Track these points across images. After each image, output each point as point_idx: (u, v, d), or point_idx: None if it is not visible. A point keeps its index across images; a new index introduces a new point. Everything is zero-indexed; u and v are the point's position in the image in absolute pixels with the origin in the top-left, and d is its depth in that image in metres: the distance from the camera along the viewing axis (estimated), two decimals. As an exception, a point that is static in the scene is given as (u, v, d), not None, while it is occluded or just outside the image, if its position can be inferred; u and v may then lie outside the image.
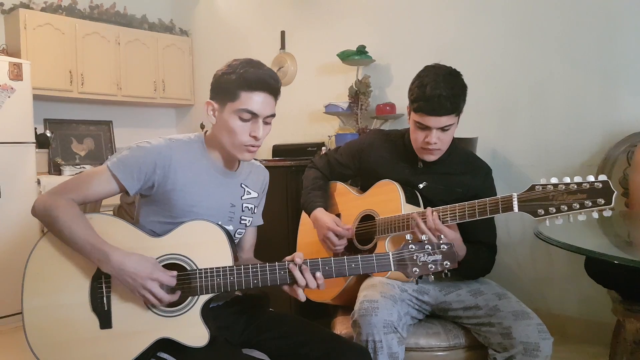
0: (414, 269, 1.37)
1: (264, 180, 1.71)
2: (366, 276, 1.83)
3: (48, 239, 1.41)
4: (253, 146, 1.47)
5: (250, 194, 1.63)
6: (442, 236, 1.48)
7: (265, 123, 1.47)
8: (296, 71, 4.27)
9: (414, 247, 1.38)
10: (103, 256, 1.33)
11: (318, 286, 1.38)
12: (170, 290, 1.38)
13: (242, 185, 1.61)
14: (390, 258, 1.38)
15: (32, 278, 1.39)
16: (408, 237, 1.40)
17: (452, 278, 1.83)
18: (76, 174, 3.95)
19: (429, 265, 1.37)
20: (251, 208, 1.63)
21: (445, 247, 1.38)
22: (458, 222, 1.63)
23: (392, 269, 1.38)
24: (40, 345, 1.37)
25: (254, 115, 1.43)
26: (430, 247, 1.38)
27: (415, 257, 1.38)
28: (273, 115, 1.48)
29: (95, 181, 1.44)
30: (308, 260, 1.39)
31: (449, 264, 1.37)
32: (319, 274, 1.37)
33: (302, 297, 1.40)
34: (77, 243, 1.35)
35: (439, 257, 1.37)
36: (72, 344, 1.37)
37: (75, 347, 1.37)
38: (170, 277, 1.35)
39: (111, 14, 4.63)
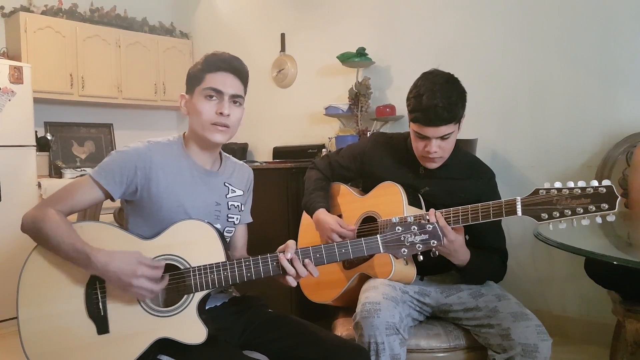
0: (402, 249, 1.40)
1: (249, 178, 1.72)
2: (367, 278, 1.84)
3: (41, 249, 1.41)
4: (223, 125, 1.50)
5: (235, 192, 1.64)
6: (427, 216, 1.49)
7: (234, 102, 1.52)
8: (296, 73, 4.28)
9: (400, 228, 1.41)
10: (86, 259, 1.34)
11: (311, 274, 1.40)
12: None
13: (226, 184, 1.63)
14: (379, 241, 1.41)
15: (27, 288, 1.39)
16: (394, 219, 1.42)
17: (452, 280, 1.84)
18: (77, 177, 3.95)
19: (417, 245, 1.40)
20: (237, 206, 1.64)
21: (431, 226, 1.41)
22: (461, 225, 1.63)
23: (381, 251, 1.41)
24: (38, 355, 1.36)
25: (218, 92, 1.49)
26: (416, 228, 1.41)
27: (402, 238, 1.40)
28: (241, 97, 1.54)
29: (80, 191, 1.45)
30: (299, 249, 1.41)
31: (435, 242, 1.40)
32: (307, 260, 1.40)
33: (292, 283, 1.42)
34: (62, 249, 1.35)
35: (425, 236, 1.40)
36: (70, 352, 1.36)
37: (73, 355, 1.36)
38: (155, 270, 1.35)
39: (112, 16, 4.64)
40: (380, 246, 1.41)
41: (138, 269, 1.33)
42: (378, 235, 1.41)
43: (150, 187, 1.47)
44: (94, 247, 1.35)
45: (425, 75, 1.73)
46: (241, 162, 1.75)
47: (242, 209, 1.67)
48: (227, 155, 1.71)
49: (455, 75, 1.74)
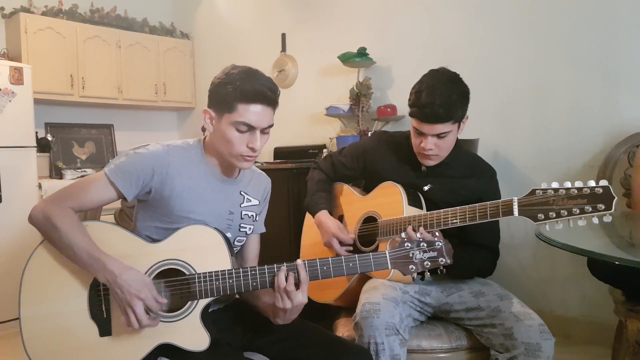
0: (411, 266, 1.40)
1: (266, 188, 1.69)
2: (368, 278, 1.83)
3: (45, 247, 1.40)
4: (250, 156, 1.46)
5: (251, 201, 1.61)
6: (437, 233, 1.49)
7: (263, 133, 1.46)
8: (297, 73, 4.28)
9: (409, 245, 1.40)
10: (100, 265, 1.33)
11: (298, 288, 1.37)
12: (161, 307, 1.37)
13: (242, 193, 1.60)
14: (387, 257, 1.40)
15: (30, 287, 1.38)
16: (403, 235, 1.42)
17: (453, 279, 1.84)
18: (78, 177, 3.95)
19: (425, 262, 1.40)
20: (251, 216, 1.62)
21: (440, 243, 1.40)
22: (459, 225, 1.63)
23: (389, 267, 1.40)
24: (39, 354, 1.36)
25: (251, 128, 1.42)
26: (425, 245, 1.40)
27: (411, 255, 1.40)
28: (271, 126, 1.47)
29: (93, 188, 1.43)
30: (306, 261, 1.40)
31: (444, 260, 1.40)
32: (303, 276, 1.37)
33: (278, 304, 1.39)
34: (75, 252, 1.34)
35: (434, 254, 1.40)
36: (71, 352, 1.36)
37: (74, 356, 1.36)
38: (156, 304, 1.34)
39: (112, 17, 4.64)
40: (389, 263, 1.40)
41: (142, 292, 1.32)
42: (387, 252, 1.40)
43: (164, 190, 1.45)
44: (109, 255, 1.35)
45: (431, 72, 1.74)
46: (259, 170, 1.71)
47: (257, 219, 1.64)
48: None
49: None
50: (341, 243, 1.89)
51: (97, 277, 1.35)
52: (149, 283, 1.35)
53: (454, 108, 1.67)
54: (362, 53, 3.54)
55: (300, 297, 1.38)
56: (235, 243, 1.59)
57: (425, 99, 1.66)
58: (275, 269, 1.39)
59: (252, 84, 1.40)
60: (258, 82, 1.42)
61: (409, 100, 1.74)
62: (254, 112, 1.41)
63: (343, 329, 1.85)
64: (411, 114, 1.74)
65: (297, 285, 1.38)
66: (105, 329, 1.37)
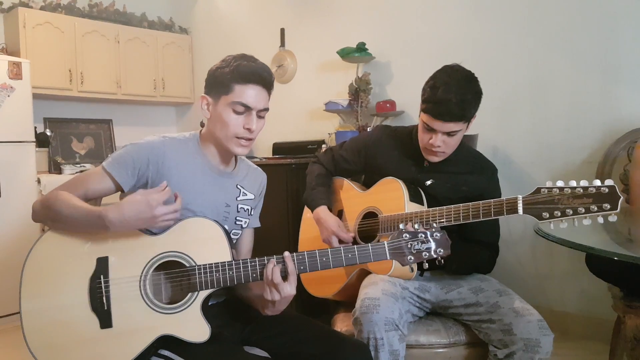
0: (409, 257, 1.40)
1: (262, 183, 1.70)
2: (367, 273, 1.84)
3: (45, 241, 1.40)
4: (247, 139, 1.48)
5: (247, 195, 1.62)
6: (434, 224, 1.49)
7: (259, 117, 1.49)
8: (296, 69, 4.27)
9: (407, 235, 1.40)
10: (99, 219, 1.32)
11: (285, 279, 1.37)
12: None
13: (238, 186, 1.60)
14: (386, 247, 1.40)
15: (30, 280, 1.38)
16: (401, 226, 1.42)
17: (452, 275, 1.84)
18: (77, 172, 3.95)
19: (423, 253, 1.39)
20: (247, 209, 1.62)
21: (438, 234, 1.40)
22: (462, 222, 1.62)
23: (388, 258, 1.40)
24: (40, 347, 1.36)
25: (248, 108, 1.45)
26: (423, 235, 1.40)
27: (409, 246, 1.40)
28: (266, 109, 1.50)
29: (91, 181, 1.45)
30: (306, 252, 1.40)
31: (442, 251, 1.40)
32: (291, 268, 1.37)
33: (267, 296, 1.39)
34: (76, 218, 1.34)
35: (432, 244, 1.40)
36: (72, 345, 1.36)
37: (76, 348, 1.36)
38: (164, 193, 1.34)
39: (110, 12, 4.63)
40: (387, 253, 1.40)
41: (150, 200, 1.32)
42: (385, 242, 1.41)
43: (162, 182, 1.44)
44: (103, 207, 1.35)
45: (446, 69, 1.73)
46: (255, 165, 1.73)
47: (252, 213, 1.65)
48: (242, 157, 1.67)
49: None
50: (340, 241, 1.89)
51: (108, 230, 1.33)
52: (142, 192, 1.35)
53: (468, 107, 1.67)
54: (361, 48, 3.54)
55: (289, 289, 1.38)
56: (231, 236, 1.59)
57: (441, 95, 1.64)
58: (276, 260, 1.39)
59: (248, 65, 1.45)
60: (254, 63, 1.47)
61: (423, 95, 1.73)
62: (250, 93, 1.45)
63: (341, 324, 1.86)
64: (424, 110, 1.72)
65: (286, 277, 1.38)
66: (105, 322, 1.37)
